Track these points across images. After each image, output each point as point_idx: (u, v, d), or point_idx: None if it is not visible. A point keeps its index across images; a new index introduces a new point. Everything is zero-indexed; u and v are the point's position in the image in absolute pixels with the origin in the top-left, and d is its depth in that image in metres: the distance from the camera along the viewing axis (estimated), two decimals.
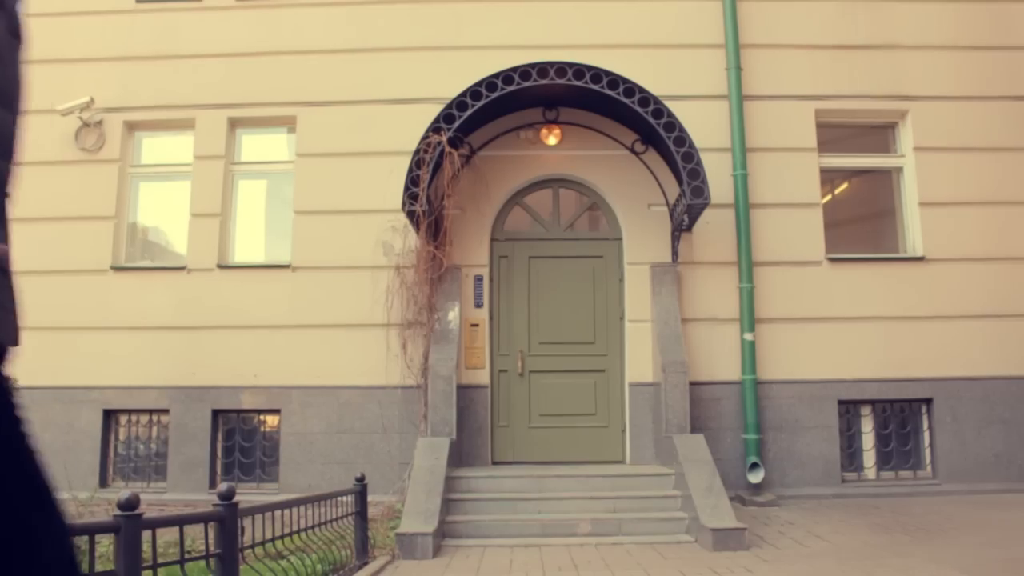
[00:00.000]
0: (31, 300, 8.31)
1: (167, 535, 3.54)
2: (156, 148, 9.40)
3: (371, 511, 6.48)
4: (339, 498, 5.69)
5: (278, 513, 4.11)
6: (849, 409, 8.58)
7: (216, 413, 8.56)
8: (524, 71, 7.66)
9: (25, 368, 7.11)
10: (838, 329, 8.49)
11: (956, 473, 8.30)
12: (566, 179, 8.91)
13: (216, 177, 8.98)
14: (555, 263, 8.64)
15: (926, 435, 8.56)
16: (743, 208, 8.50)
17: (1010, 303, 8.59)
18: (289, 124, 9.08)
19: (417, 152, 7.69)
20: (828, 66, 8.95)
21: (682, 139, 7.64)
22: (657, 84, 8.00)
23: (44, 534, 1.22)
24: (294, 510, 4.35)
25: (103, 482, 8.41)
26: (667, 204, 8.63)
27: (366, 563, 5.91)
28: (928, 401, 8.53)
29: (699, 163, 7.60)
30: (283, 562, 4.40)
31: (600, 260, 8.74)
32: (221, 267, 8.77)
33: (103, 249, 8.85)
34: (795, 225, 8.68)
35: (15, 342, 1.33)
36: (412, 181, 7.73)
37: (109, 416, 8.64)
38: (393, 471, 8.05)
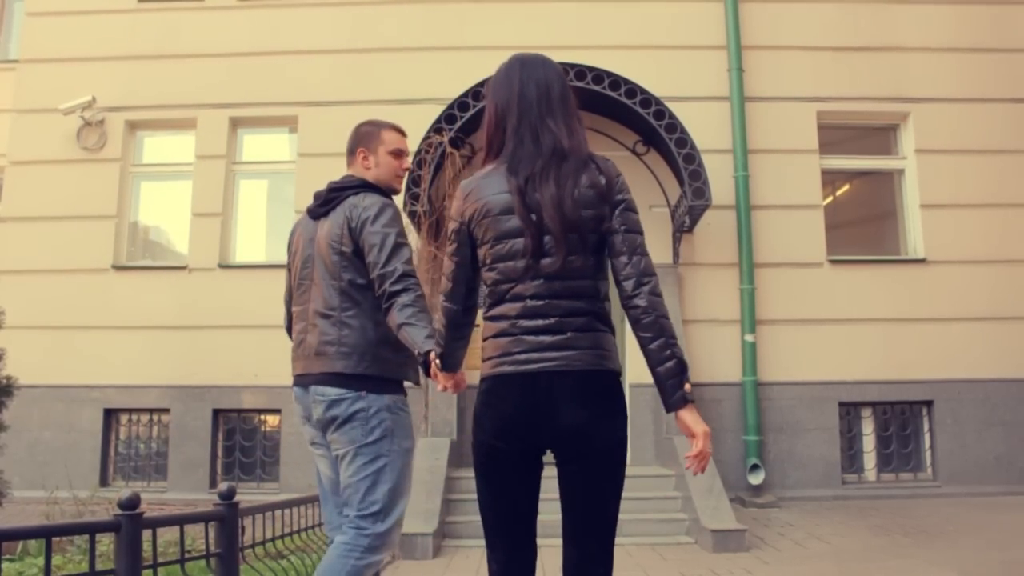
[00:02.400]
0: (32, 299, 8.31)
1: (167, 534, 3.54)
2: (158, 147, 9.42)
3: None
4: None
5: (278, 513, 4.11)
6: (850, 411, 8.58)
7: (217, 413, 8.57)
8: None
9: (26, 367, 7.08)
10: (839, 331, 8.49)
11: (957, 475, 8.30)
12: None
13: (217, 177, 8.99)
14: None
15: (927, 437, 8.55)
16: (744, 209, 8.49)
17: (1011, 305, 8.58)
18: (291, 124, 9.08)
19: (418, 152, 7.69)
20: (830, 68, 8.95)
21: (683, 140, 7.64)
22: (659, 85, 8.00)
23: None
24: (294, 510, 4.34)
25: (104, 481, 8.41)
26: (668, 205, 8.62)
27: None
28: (929, 403, 8.52)
29: (700, 164, 7.60)
30: (283, 562, 4.39)
31: None
32: (222, 267, 8.78)
33: (104, 248, 8.85)
34: (796, 227, 8.68)
35: None
36: (413, 181, 7.74)
37: (110, 415, 8.65)
38: None
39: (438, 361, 2.48)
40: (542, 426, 2.15)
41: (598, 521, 2.19)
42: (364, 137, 3.21)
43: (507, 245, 2.20)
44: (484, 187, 2.25)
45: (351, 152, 3.22)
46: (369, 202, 2.97)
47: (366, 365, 2.88)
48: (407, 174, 3.29)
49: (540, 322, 2.16)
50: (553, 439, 2.17)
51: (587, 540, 2.20)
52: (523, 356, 2.15)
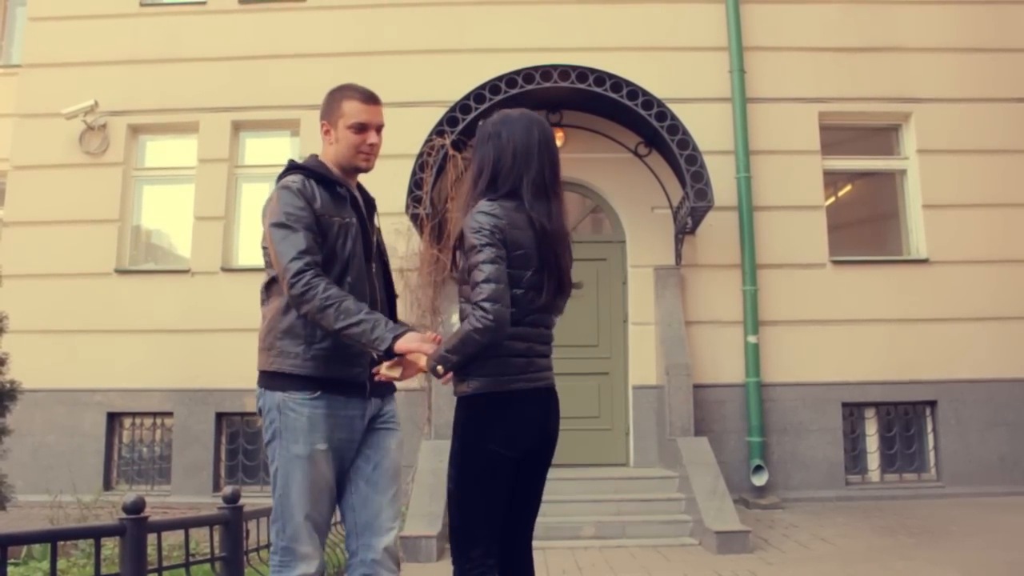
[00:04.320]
0: (35, 303, 8.32)
1: (171, 538, 3.54)
2: (160, 151, 9.43)
3: None
4: None
5: None
6: (853, 411, 8.57)
7: (220, 416, 8.58)
8: (527, 74, 7.66)
9: (29, 370, 7.08)
10: (842, 331, 8.48)
11: (960, 476, 8.28)
12: (569, 182, 8.88)
13: (220, 180, 8.99)
14: None
15: (930, 437, 8.54)
16: (746, 211, 8.49)
17: (1014, 305, 8.56)
18: (292, 127, 9.09)
19: (420, 155, 7.70)
20: (831, 68, 8.94)
21: (685, 142, 7.64)
22: (660, 87, 8.00)
23: None
24: None
25: (107, 485, 8.42)
26: (670, 207, 8.63)
27: None
28: (932, 403, 8.51)
29: (702, 166, 7.60)
30: None
31: (604, 263, 8.74)
32: (225, 270, 8.78)
33: (107, 252, 8.86)
34: (799, 228, 8.67)
35: None
36: (415, 184, 7.74)
37: (113, 419, 8.65)
38: None
39: (443, 364, 2.42)
40: (541, 433, 2.55)
41: (537, 508, 2.69)
42: (325, 107, 2.89)
43: (537, 277, 2.52)
44: (517, 219, 2.52)
45: (320, 126, 2.90)
46: (273, 190, 2.73)
47: (271, 360, 2.66)
48: (373, 151, 2.84)
49: (545, 348, 2.59)
50: (540, 444, 2.57)
51: (530, 525, 2.66)
52: (536, 375, 2.53)
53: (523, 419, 2.49)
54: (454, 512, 2.53)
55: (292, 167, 2.80)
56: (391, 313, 2.84)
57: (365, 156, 2.82)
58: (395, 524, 2.74)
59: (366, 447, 2.74)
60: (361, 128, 2.79)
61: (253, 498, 7.55)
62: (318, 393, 2.62)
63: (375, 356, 2.55)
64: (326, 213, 2.69)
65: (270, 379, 2.66)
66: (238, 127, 9.18)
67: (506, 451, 2.47)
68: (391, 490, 2.75)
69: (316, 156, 2.88)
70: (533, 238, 2.49)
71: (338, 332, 2.51)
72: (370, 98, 2.84)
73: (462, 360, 2.41)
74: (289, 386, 2.62)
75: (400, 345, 2.46)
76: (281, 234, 2.60)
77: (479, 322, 2.36)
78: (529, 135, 2.58)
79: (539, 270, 2.50)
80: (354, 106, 2.81)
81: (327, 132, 2.84)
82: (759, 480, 8.02)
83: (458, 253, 2.56)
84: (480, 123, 2.79)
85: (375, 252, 2.87)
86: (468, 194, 2.66)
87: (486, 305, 2.36)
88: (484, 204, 2.52)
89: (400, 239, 8.20)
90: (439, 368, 2.42)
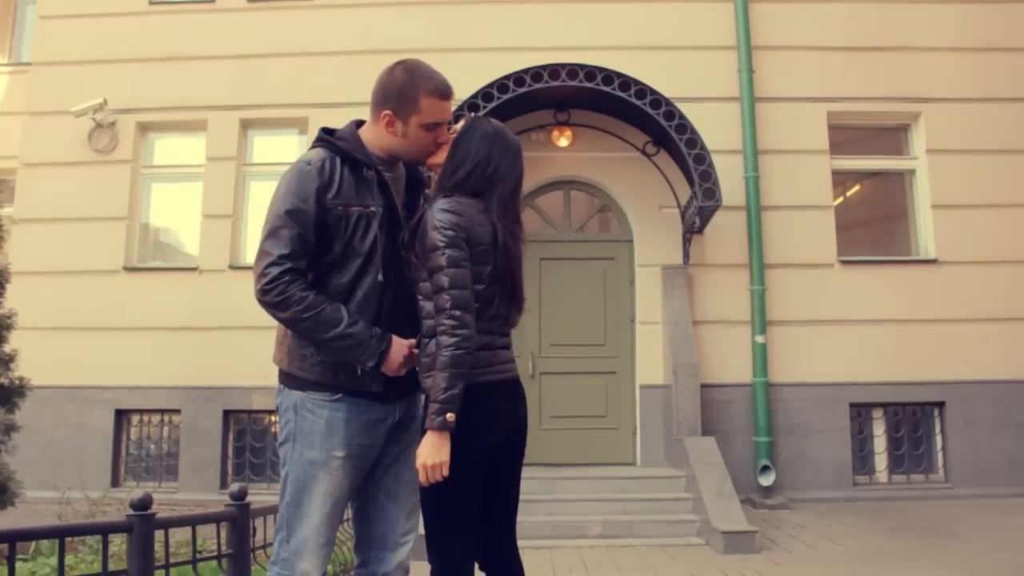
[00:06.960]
0: (44, 300, 8.33)
1: (179, 535, 3.55)
2: (168, 149, 9.44)
3: None
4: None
5: None
6: (861, 412, 8.54)
7: (227, 413, 8.60)
8: (536, 73, 7.66)
9: (38, 367, 7.09)
10: (850, 332, 8.45)
11: (968, 477, 8.25)
12: (577, 181, 8.91)
13: (228, 178, 9.01)
14: (566, 265, 8.63)
15: (938, 439, 8.51)
16: (755, 210, 8.47)
17: (1023, 306, 8.52)
18: (300, 126, 9.09)
19: None
20: (840, 68, 8.91)
21: (694, 141, 7.62)
22: (668, 86, 7.97)
23: None
24: None
25: (115, 482, 8.44)
26: (678, 206, 8.61)
27: None
28: (940, 404, 8.48)
29: (711, 165, 7.58)
30: None
31: (611, 262, 8.73)
32: (233, 268, 8.80)
33: (115, 250, 8.88)
34: (807, 227, 8.64)
35: None
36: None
37: (121, 416, 8.68)
38: None
39: (450, 408, 2.33)
40: (513, 423, 2.56)
41: (517, 501, 2.66)
42: (393, 95, 2.52)
43: (499, 272, 2.53)
44: (478, 217, 2.50)
45: (375, 107, 2.56)
46: (291, 166, 2.53)
47: (280, 357, 2.53)
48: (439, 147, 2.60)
49: (506, 339, 2.61)
50: (512, 435, 2.57)
51: (511, 523, 2.64)
52: (502, 367, 2.54)
53: (495, 411, 2.48)
54: (429, 512, 2.46)
55: (321, 138, 2.55)
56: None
57: (433, 152, 2.59)
58: (409, 538, 2.62)
59: (386, 455, 2.59)
60: (436, 126, 2.54)
61: (260, 495, 7.58)
62: (339, 395, 2.46)
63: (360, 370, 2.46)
64: (344, 202, 2.45)
65: (288, 377, 2.51)
66: (246, 125, 9.20)
67: (479, 444, 2.43)
68: (409, 503, 2.61)
69: (358, 124, 2.63)
70: (492, 235, 2.49)
71: (318, 344, 2.42)
72: (449, 93, 2.57)
73: (462, 383, 2.34)
74: (308, 386, 2.46)
75: (389, 365, 2.44)
76: (270, 229, 2.42)
77: (455, 334, 2.32)
78: (515, 162, 2.61)
79: (503, 265, 2.52)
80: (433, 104, 2.52)
81: (391, 124, 2.52)
82: (766, 480, 8.00)
83: (417, 244, 2.46)
84: (476, 117, 2.67)
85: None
86: (439, 180, 2.57)
87: (456, 313, 2.34)
88: (443, 201, 2.45)
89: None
90: (449, 417, 2.31)
